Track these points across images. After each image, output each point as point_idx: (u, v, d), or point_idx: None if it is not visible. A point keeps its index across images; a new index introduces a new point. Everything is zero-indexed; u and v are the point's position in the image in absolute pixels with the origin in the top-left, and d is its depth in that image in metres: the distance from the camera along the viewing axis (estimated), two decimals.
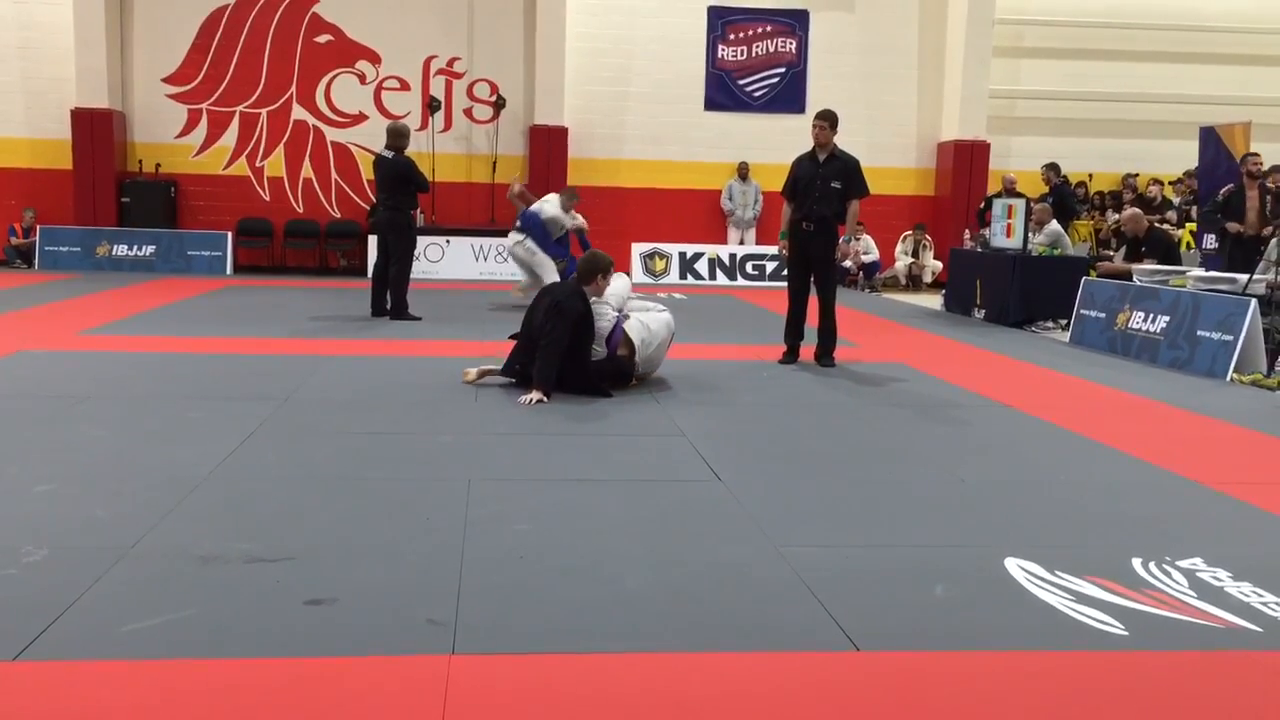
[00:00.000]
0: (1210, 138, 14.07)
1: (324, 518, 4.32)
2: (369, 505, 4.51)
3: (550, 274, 11.64)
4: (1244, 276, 9.47)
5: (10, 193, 16.67)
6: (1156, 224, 13.13)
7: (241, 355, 8.50)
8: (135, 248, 16.52)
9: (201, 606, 3.35)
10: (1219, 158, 13.72)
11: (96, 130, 16.36)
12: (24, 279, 14.57)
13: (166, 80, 17.02)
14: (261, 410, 6.31)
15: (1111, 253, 13.18)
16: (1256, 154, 11.45)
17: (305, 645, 3.10)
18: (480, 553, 3.91)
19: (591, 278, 7.26)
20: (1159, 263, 11.07)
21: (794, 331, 8.93)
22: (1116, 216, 15.08)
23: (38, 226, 16.41)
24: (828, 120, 8.70)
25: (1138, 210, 12.79)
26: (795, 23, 17.97)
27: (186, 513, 4.31)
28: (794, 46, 17.99)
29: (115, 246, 16.48)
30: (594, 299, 7.20)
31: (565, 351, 6.92)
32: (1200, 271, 10.26)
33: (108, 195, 16.58)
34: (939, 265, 17.14)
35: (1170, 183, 17.26)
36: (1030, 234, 12.50)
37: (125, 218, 16.72)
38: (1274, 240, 9.77)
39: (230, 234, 16.91)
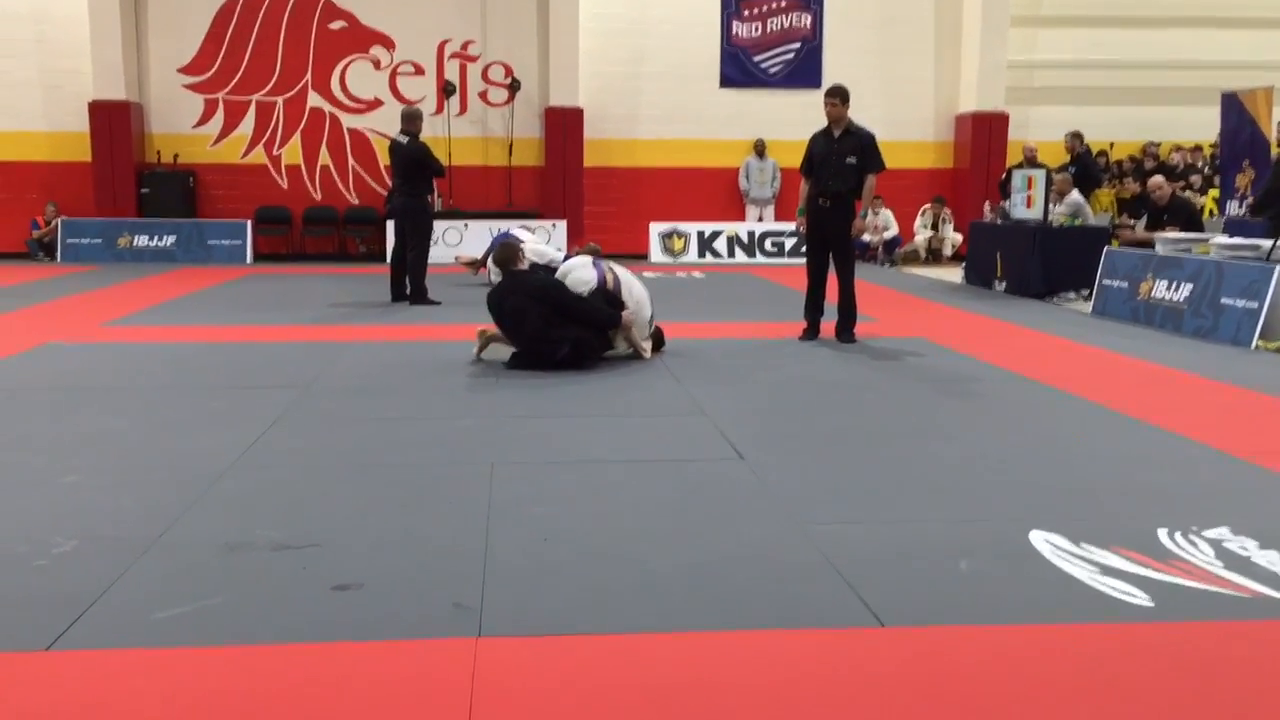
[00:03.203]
0: (1232, 103, 13.90)
1: (348, 504, 4.34)
2: (393, 491, 4.53)
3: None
4: (1268, 242, 9.38)
5: (31, 186, 16.78)
6: (1179, 191, 13.00)
7: (263, 343, 8.55)
8: (156, 238, 16.61)
9: (229, 594, 3.38)
10: (1241, 123, 13.56)
11: (114, 122, 16.44)
12: (47, 271, 14.68)
13: (182, 70, 17.08)
14: (284, 398, 6.34)
15: (1132, 221, 13.07)
16: None
17: (333, 630, 3.12)
18: (504, 536, 3.93)
19: (514, 262, 7.78)
20: (1181, 230, 10.96)
21: (814, 308, 8.90)
22: (1135, 186, 14.93)
23: (60, 219, 16.51)
24: (839, 96, 8.65)
25: (1161, 178, 12.65)
26: None
27: (212, 501, 4.35)
28: (809, 21, 17.88)
29: (136, 237, 16.58)
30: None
31: (569, 312, 7.35)
32: (1224, 239, 10.16)
33: (127, 187, 16.67)
34: (959, 238, 17.04)
35: (1189, 150, 17.09)
36: (1051, 204, 12.41)
37: (145, 208, 16.81)
38: None
39: (249, 222, 16.98)
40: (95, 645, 3.02)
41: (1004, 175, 15.94)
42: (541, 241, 13.93)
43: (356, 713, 2.66)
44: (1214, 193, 15.11)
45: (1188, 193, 14.31)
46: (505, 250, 7.94)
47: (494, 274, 12.88)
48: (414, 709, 2.68)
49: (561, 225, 16.64)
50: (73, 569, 3.58)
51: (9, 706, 2.68)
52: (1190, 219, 11.53)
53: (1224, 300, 9.02)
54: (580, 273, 7.71)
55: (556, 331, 7.27)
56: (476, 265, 13.52)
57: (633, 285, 7.87)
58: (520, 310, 7.31)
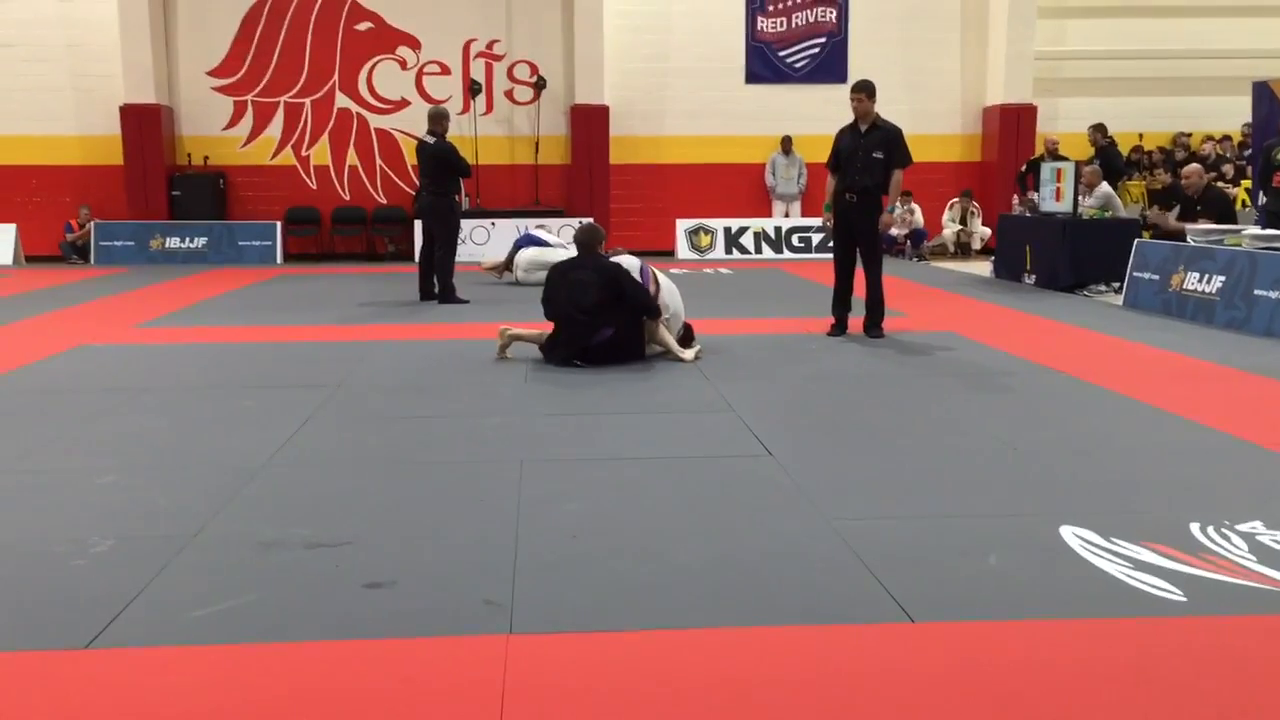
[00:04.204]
0: (1264, 93, 13.77)
1: (380, 502, 4.38)
2: (424, 488, 4.57)
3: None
4: None
5: (65, 190, 16.97)
6: (1213, 182, 12.87)
7: (294, 343, 8.62)
8: (187, 240, 16.77)
9: (264, 592, 3.42)
10: (1273, 113, 13.43)
11: (145, 125, 16.59)
12: (81, 274, 14.84)
13: (211, 73, 17.21)
14: (315, 397, 6.39)
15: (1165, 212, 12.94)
16: None
17: (366, 627, 3.15)
18: (534, 533, 3.95)
19: (595, 247, 7.86)
20: (1214, 222, 10.86)
21: (841, 303, 8.88)
22: (1166, 177, 14.80)
23: (93, 222, 16.68)
24: (865, 91, 8.62)
25: (1198, 166, 12.50)
26: None
27: (246, 500, 4.39)
28: (834, 15, 17.81)
29: (168, 239, 16.74)
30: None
31: (625, 293, 7.45)
32: (1256, 230, 10.06)
33: (159, 189, 16.82)
34: (987, 232, 16.93)
35: (1220, 140, 16.91)
36: (1080, 197, 12.32)
37: (176, 210, 16.96)
38: None
39: (279, 223, 17.10)
40: (133, 643, 3.06)
41: (1022, 168, 15.83)
42: (563, 243, 13.95)
43: (389, 709, 2.69)
44: (1246, 183, 14.95)
45: (1220, 184, 14.15)
46: (593, 233, 7.99)
47: (521, 273, 12.95)
48: (446, 705, 2.70)
49: (588, 223, 16.64)
50: (110, 568, 3.64)
51: (49, 704, 2.73)
52: (1224, 210, 11.41)
53: (1257, 292, 8.93)
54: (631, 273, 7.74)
55: (607, 315, 7.37)
56: (500, 269, 13.57)
57: (674, 293, 7.97)
58: (585, 285, 7.42)
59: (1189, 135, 17.47)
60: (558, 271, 7.73)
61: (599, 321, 7.37)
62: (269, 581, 3.51)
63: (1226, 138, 17.08)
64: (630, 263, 7.78)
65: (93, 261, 16.47)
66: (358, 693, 2.77)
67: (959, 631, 3.12)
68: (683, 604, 3.33)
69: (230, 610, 3.28)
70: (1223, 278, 9.38)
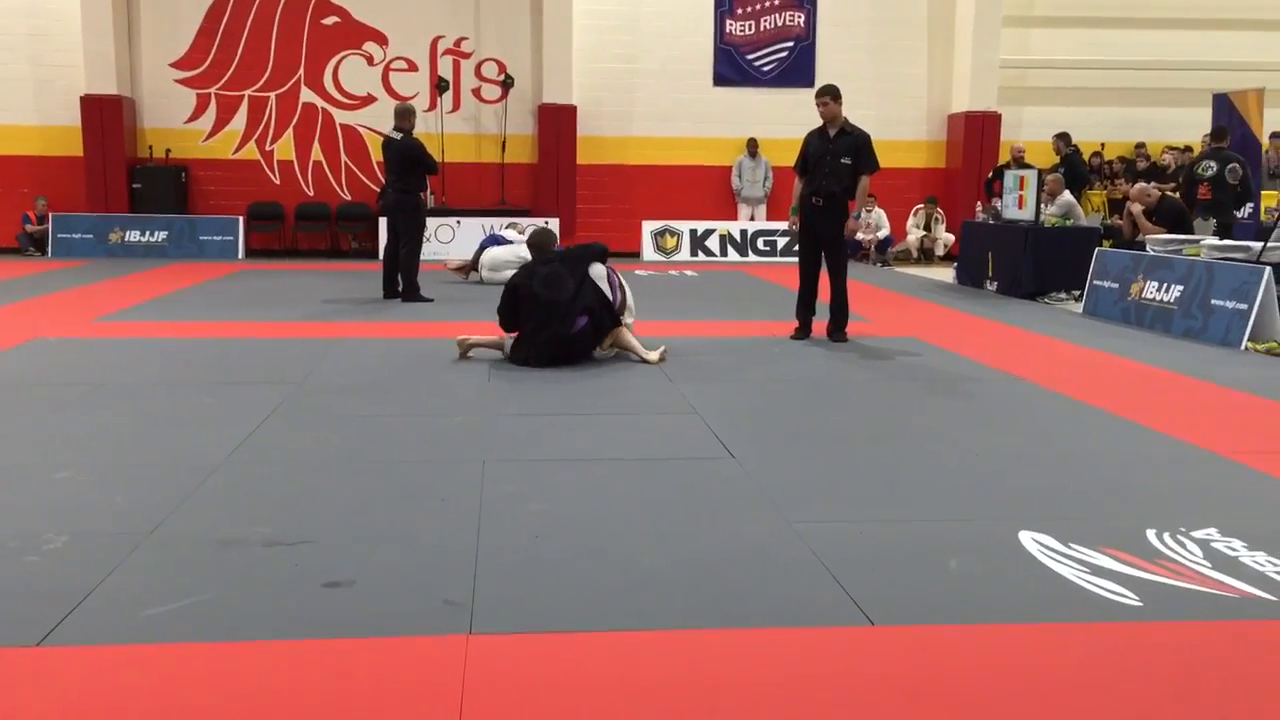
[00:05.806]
0: (1223, 104, 13.99)
1: (340, 501, 4.35)
2: (385, 487, 4.54)
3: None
4: (1258, 244, 9.42)
5: (23, 181, 16.72)
6: (1168, 193, 13.04)
7: (255, 339, 8.54)
8: (147, 233, 16.57)
9: (221, 590, 3.39)
10: (1232, 124, 13.63)
11: (106, 117, 16.38)
12: (38, 266, 14.63)
13: (175, 65, 17.03)
14: (276, 394, 6.34)
15: (1120, 221, 13.11)
16: None
17: (324, 627, 3.12)
18: (496, 533, 3.93)
19: (550, 248, 8.11)
20: (1169, 231, 11.01)
21: (805, 307, 8.91)
22: (1127, 186, 14.98)
23: (50, 214, 16.46)
24: (830, 95, 8.65)
25: (1143, 184, 12.70)
26: None
27: (204, 497, 4.35)
28: (802, 20, 17.88)
29: (128, 232, 16.53)
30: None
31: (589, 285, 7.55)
32: (1214, 240, 10.20)
33: (119, 181, 16.62)
34: (951, 238, 17.06)
35: (1180, 150, 17.12)
36: (1042, 205, 12.45)
37: (137, 203, 16.76)
38: None
39: (241, 218, 16.95)
40: (86, 641, 3.02)
41: (990, 175, 15.95)
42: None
43: (347, 709, 2.67)
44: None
45: (1178, 194, 14.33)
46: (545, 235, 8.15)
47: (486, 273, 12.91)
48: (405, 706, 2.68)
49: (554, 223, 16.63)
50: (64, 564, 3.58)
51: None
52: (1178, 220, 11.57)
53: (1214, 301, 9.05)
54: (600, 283, 7.65)
55: (580, 301, 7.35)
56: (466, 269, 13.51)
57: (630, 304, 7.97)
58: (558, 275, 7.41)
59: (1144, 145, 17.68)
60: (521, 276, 7.61)
61: (577, 306, 7.34)
62: (226, 580, 3.47)
63: (1188, 148, 17.30)
64: (597, 271, 7.65)
65: (50, 254, 16.25)
66: (315, 693, 2.75)
67: (918, 635, 3.14)
68: (644, 605, 3.32)
69: (186, 609, 3.24)
70: (1181, 287, 9.50)
